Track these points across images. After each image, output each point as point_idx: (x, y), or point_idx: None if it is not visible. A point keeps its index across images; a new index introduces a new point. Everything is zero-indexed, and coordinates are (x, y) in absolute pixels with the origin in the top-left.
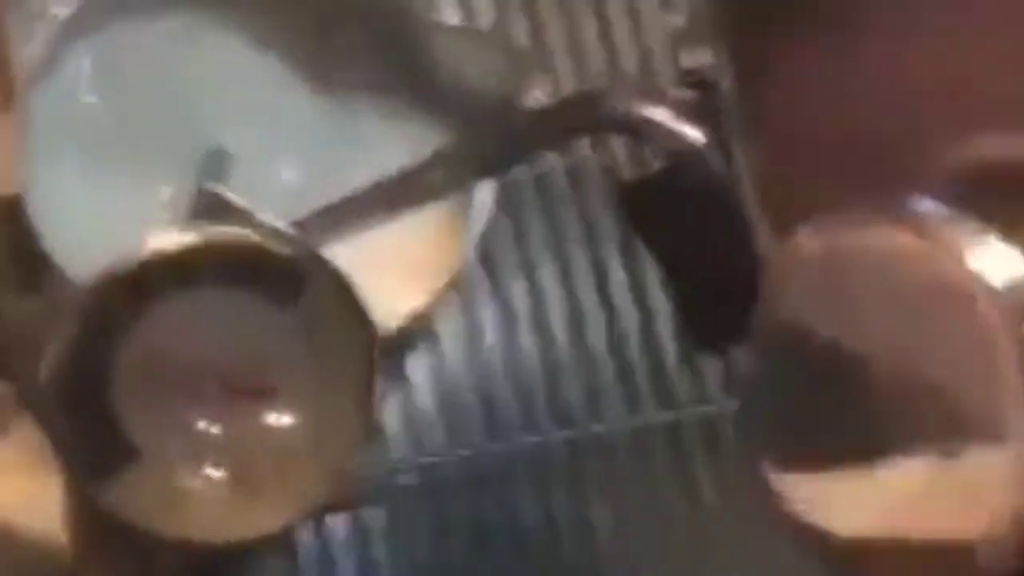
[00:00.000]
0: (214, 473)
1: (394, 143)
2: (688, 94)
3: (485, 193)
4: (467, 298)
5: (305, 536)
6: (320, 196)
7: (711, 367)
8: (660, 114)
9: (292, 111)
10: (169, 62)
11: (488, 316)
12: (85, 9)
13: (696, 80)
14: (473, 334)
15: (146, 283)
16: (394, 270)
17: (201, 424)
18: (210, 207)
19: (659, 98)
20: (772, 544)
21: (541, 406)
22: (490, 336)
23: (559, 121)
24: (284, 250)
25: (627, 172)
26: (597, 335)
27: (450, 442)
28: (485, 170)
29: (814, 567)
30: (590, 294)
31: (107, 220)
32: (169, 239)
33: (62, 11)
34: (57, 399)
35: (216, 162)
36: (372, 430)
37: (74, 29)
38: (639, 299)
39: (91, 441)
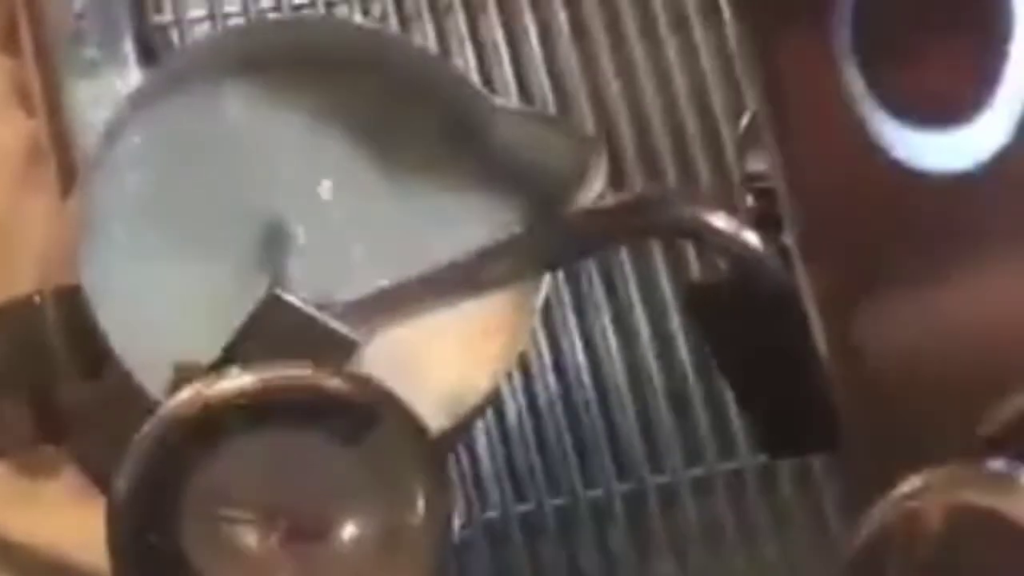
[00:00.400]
0: None
1: (461, 221)
2: (751, 201)
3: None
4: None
5: None
6: (384, 274)
7: None
8: (722, 221)
9: (356, 188)
10: (227, 137)
11: (547, 374)
12: (145, 86)
13: (761, 188)
14: (532, 391)
15: (212, 423)
16: (462, 349)
17: (266, 557)
18: (275, 312)
19: (723, 204)
20: None
21: (602, 460)
22: (550, 393)
23: (622, 221)
24: (354, 392)
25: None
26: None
27: (513, 496)
28: (548, 265)
29: None
30: (649, 350)
31: (160, 300)
32: (236, 381)
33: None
34: (124, 532)
35: (277, 240)
36: (444, 549)
37: (130, 106)
38: (698, 353)
39: (157, 571)
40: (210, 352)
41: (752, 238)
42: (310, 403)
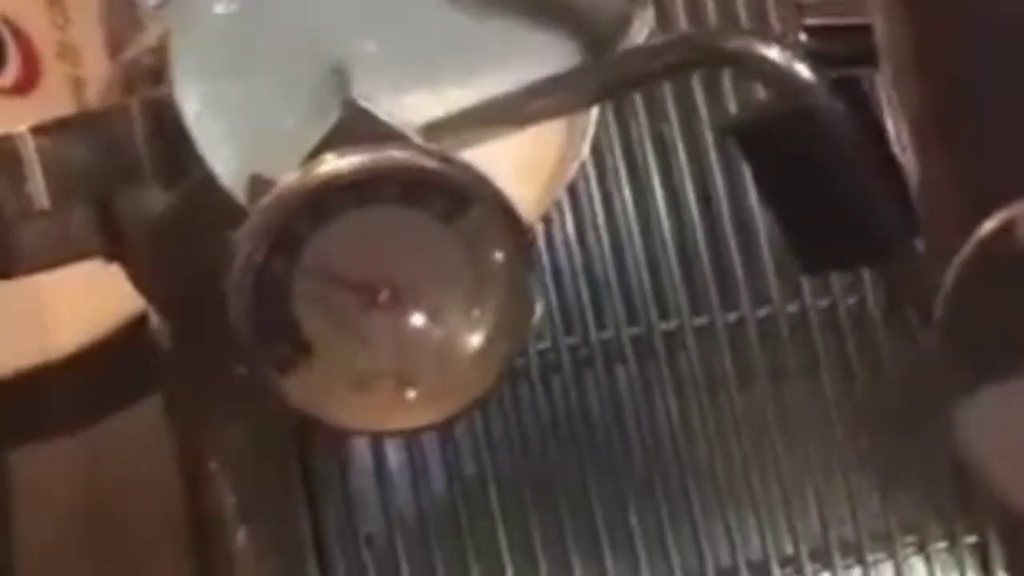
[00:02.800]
0: (381, 372)
1: (513, 58)
2: (802, 38)
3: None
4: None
5: None
6: (439, 108)
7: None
8: (773, 52)
9: (417, 24)
10: None
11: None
12: None
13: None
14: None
15: (324, 200)
16: (514, 176)
17: (370, 328)
18: (355, 122)
19: (773, 39)
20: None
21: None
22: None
23: (674, 53)
24: (452, 173)
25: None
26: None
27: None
28: (599, 96)
29: None
30: (691, 195)
31: (240, 118)
32: (347, 161)
33: None
34: (241, 306)
35: (341, 77)
36: (528, 332)
37: None
38: (736, 199)
39: (271, 343)
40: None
41: (803, 67)
42: (412, 183)
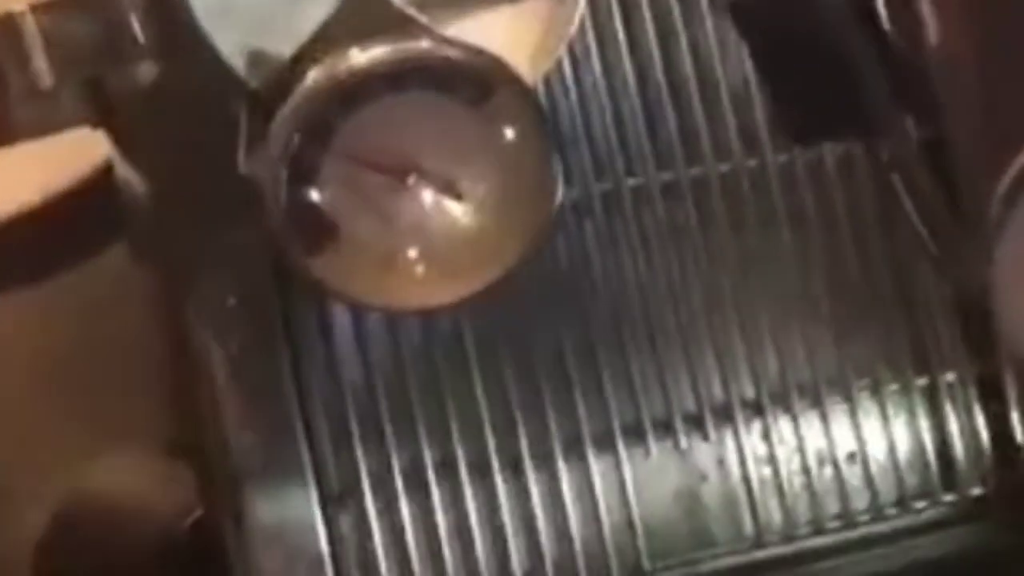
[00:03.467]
0: (410, 251)
1: None
2: None
3: None
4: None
5: None
6: None
7: None
8: None
9: None
10: None
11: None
12: None
13: None
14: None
15: (357, 88)
16: (509, 49)
17: (399, 210)
18: (367, 2)
19: None
20: None
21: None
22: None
23: None
24: (473, 60)
25: None
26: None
27: None
28: None
29: None
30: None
31: None
32: (376, 53)
33: None
34: (274, 190)
35: None
36: (550, 212)
37: None
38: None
39: (303, 225)
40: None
41: None
42: (438, 72)
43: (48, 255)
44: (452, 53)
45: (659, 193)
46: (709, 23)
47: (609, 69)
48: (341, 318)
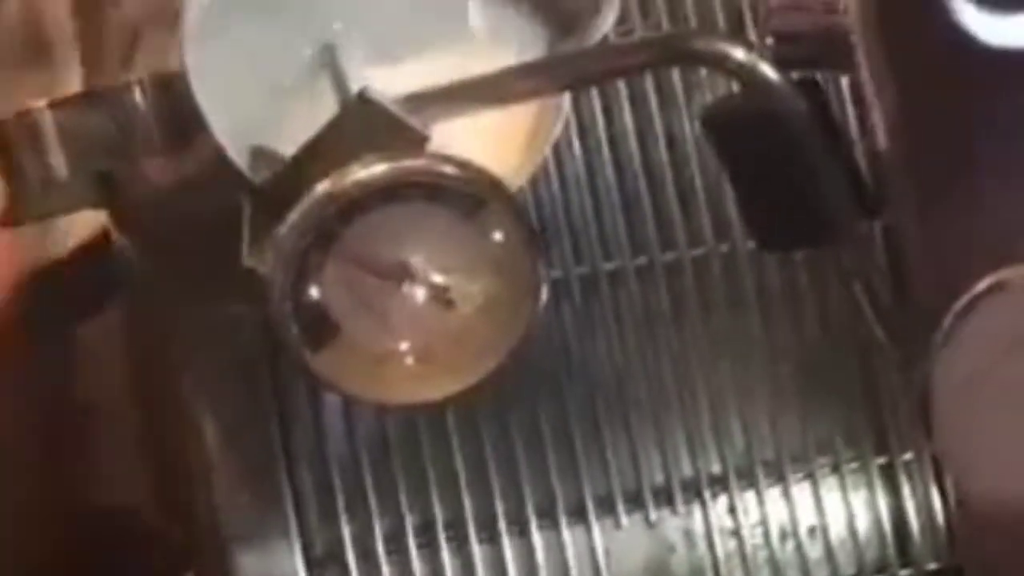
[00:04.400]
0: (403, 349)
1: (496, 46)
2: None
3: None
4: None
5: None
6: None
7: None
8: (740, 54)
9: (402, 17)
10: None
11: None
12: None
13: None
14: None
15: (358, 200)
16: (498, 145)
17: (394, 311)
18: (360, 109)
19: (742, 42)
20: None
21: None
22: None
23: (648, 53)
24: (470, 177)
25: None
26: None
27: None
28: (571, 85)
29: None
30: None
31: (242, 91)
32: (376, 168)
33: None
34: (278, 290)
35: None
36: (537, 312)
37: None
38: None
39: (304, 322)
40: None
41: (767, 67)
42: (431, 186)
43: (41, 316)
44: (446, 169)
45: (634, 276)
46: (684, 117)
47: (589, 159)
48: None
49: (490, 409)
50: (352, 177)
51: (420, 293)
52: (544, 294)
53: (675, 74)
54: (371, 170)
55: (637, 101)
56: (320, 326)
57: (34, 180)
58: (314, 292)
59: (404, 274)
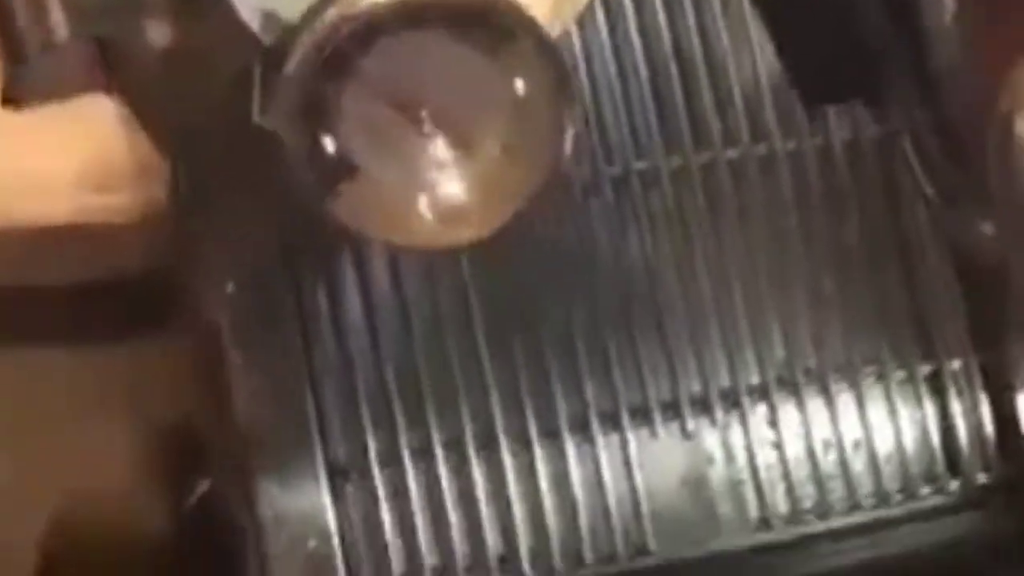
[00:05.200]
0: (423, 191)
1: None
2: None
3: None
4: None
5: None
6: None
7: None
8: None
9: None
10: None
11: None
12: None
13: None
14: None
15: (374, 24)
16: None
17: (412, 151)
18: None
19: None
20: None
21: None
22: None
23: None
24: (497, 4)
25: None
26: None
27: None
28: None
29: None
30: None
31: None
32: None
33: None
34: (290, 126)
35: None
36: (560, 162)
37: None
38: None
39: (318, 163)
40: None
41: None
42: (455, 13)
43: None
44: None
45: (668, 177)
46: (718, 8)
47: (619, 53)
48: (351, 298)
49: (519, 314)
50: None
51: (439, 133)
52: (570, 141)
53: None
54: None
55: None
56: (337, 167)
57: (34, 44)
58: (330, 131)
59: (422, 113)
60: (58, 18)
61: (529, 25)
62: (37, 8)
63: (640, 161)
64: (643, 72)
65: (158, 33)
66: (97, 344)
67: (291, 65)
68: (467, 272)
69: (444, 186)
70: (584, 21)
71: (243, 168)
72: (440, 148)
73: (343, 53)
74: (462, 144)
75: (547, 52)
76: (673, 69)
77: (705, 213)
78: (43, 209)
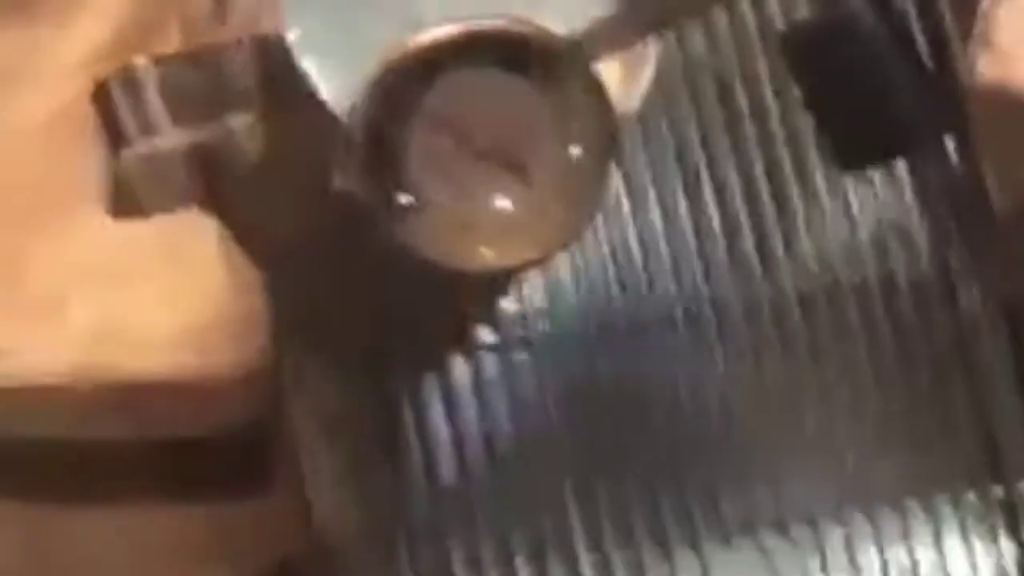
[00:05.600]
0: (482, 218)
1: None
2: None
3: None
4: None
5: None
6: None
7: None
8: None
9: None
10: None
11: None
12: None
13: None
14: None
15: (430, 60)
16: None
17: (470, 179)
18: None
19: None
20: None
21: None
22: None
23: None
24: (545, 40)
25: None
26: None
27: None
28: (645, 32)
29: None
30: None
31: (341, 57)
32: (451, 26)
33: None
34: (359, 160)
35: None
36: (605, 191)
37: None
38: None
39: (385, 192)
40: None
41: None
42: (510, 48)
43: None
44: (523, 30)
45: (741, 310)
46: (785, 150)
47: (689, 188)
48: (437, 423)
49: (600, 442)
50: (424, 36)
51: (496, 162)
52: (613, 173)
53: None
54: (445, 28)
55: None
56: (401, 196)
57: (132, 128)
58: (394, 162)
59: (480, 142)
60: (156, 105)
61: (578, 56)
62: (135, 94)
63: (712, 291)
64: (713, 209)
65: (248, 132)
66: (197, 498)
67: (358, 111)
68: (551, 403)
69: (500, 213)
70: (655, 156)
71: (336, 279)
72: (496, 175)
73: (404, 91)
74: (517, 172)
75: (596, 90)
76: (743, 216)
77: (777, 342)
78: (143, 364)
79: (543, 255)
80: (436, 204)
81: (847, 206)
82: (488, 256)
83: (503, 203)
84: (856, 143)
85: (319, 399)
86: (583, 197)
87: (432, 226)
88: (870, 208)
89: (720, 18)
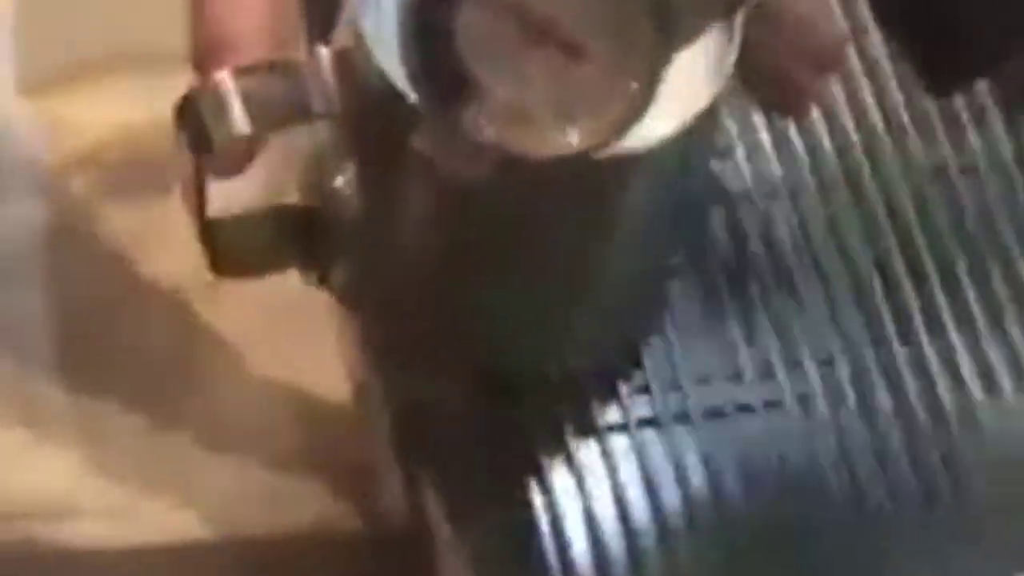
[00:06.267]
0: (540, 105)
1: None
2: None
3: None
4: None
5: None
6: None
7: None
8: None
9: None
10: None
11: None
12: None
13: None
14: None
15: None
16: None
17: (528, 66)
18: None
19: None
20: None
21: None
22: None
23: None
24: None
25: None
26: None
27: None
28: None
29: None
30: None
31: None
32: None
33: None
34: (412, 51)
35: None
36: (656, 86)
37: None
38: None
39: (440, 85)
40: None
41: None
42: None
43: None
44: None
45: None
46: None
47: None
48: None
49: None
50: None
51: (554, 45)
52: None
53: None
54: None
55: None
56: (457, 86)
57: (216, 134)
58: (446, 47)
59: (538, 25)
60: (239, 112)
61: None
62: (218, 103)
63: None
64: None
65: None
66: None
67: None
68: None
69: (555, 93)
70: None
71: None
72: (550, 57)
73: None
74: (575, 55)
75: None
76: None
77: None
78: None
79: (598, 142)
80: (491, 90)
81: None
82: (543, 143)
83: (555, 84)
84: (941, 64)
85: None
86: (643, 68)
87: (483, 116)
88: None
89: None
